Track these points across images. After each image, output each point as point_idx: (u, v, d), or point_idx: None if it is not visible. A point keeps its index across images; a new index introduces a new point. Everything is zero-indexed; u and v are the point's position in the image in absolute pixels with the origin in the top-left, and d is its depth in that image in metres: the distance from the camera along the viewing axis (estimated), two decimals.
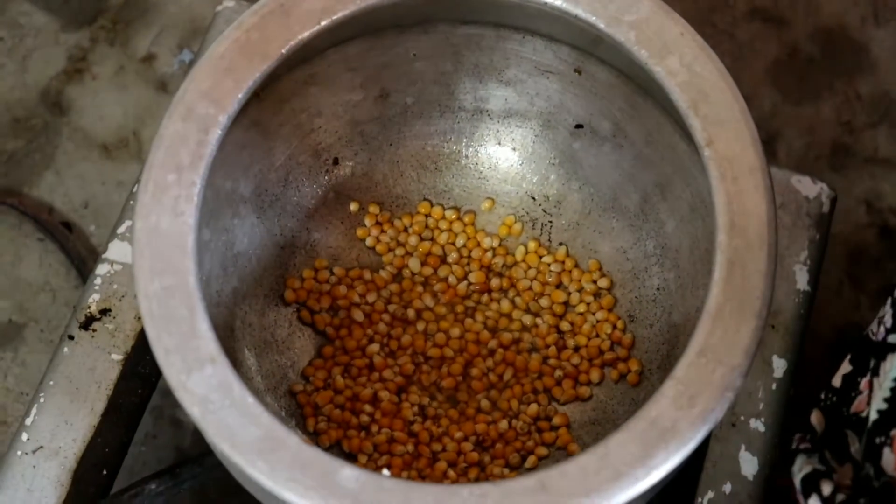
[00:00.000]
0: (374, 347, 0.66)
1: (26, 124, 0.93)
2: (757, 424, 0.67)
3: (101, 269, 0.69)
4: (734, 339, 0.53)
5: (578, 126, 0.67)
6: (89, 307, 0.68)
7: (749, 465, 0.67)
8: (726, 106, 0.56)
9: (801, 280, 0.71)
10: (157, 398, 0.84)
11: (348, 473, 0.50)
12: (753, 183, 0.55)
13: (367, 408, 0.64)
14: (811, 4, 1.01)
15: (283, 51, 0.57)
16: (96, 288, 0.69)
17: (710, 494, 0.66)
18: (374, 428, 0.64)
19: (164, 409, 0.85)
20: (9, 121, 0.93)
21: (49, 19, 0.97)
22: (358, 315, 0.67)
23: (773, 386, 0.69)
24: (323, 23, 0.57)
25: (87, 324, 0.68)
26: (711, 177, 0.55)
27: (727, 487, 0.66)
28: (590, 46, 0.63)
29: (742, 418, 0.67)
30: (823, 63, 0.99)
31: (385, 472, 0.54)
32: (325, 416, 0.64)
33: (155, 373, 0.68)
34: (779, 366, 0.69)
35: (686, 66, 0.56)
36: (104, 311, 0.69)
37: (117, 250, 0.70)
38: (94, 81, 0.95)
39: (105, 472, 0.66)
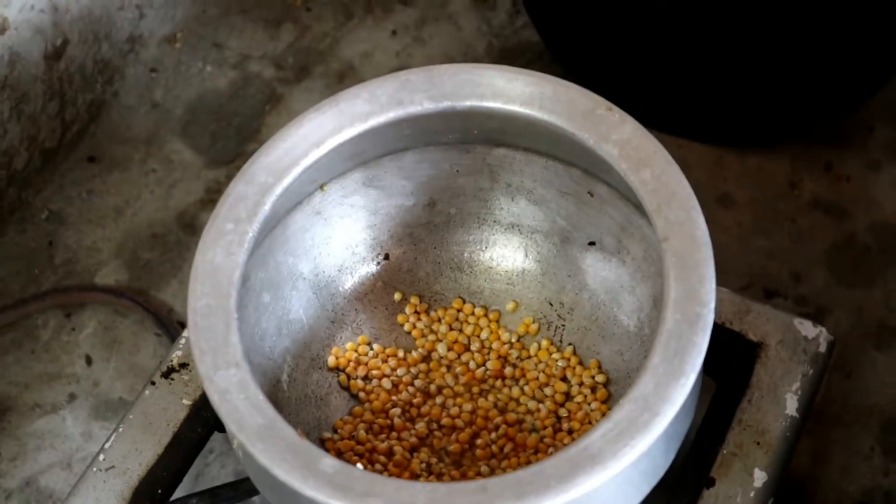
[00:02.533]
0: (397, 411, 0.79)
1: (162, 240, 1.11)
2: None
3: (187, 332, 0.85)
4: (663, 392, 0.64)
5: (591, 243, 0.80)
6: (171, 361, 0.83)
7: None
8: (684, 211, 0.69)
9: (791, 406, 0.81)
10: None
11: (328, 462, 0.63)
12: (699, 274, 0.67)
13: (382, 458, 0.76)
14: (872, 201, 1.12)
15: (336, 142, 0.72)
16: (180, 346, 0.84)
17: None
18: (385, 475, 0.76)
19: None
20: (149, 235, 1.12)
21: (195, 158, 1.16)
22: (387, 384, 0.80)
23: (752, 494, 0.78)
24: (370, 122, 0.73)
25: (167, 374, 0.83)
26: (666, 263, 0.67)
27: None
28: (596, 170, 0.77)
29: None
30: (879, 253, 1.09)
31: (359, 465, 0.66)
32: (345, 461, 0.76)
33: (214, 418, 0.82)
34: (759, 477, 0.78)
35: (655, 178, 0.70)
36: (183, 365, 0.83)
37: None
38: None
39: (160, 491, 0.79)
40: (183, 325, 1.06)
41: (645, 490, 0.68)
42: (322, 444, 0.78)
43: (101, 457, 0.80)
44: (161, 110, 1.19)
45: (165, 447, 0.80)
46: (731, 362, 0.83)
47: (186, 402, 0.81)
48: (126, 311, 1.07)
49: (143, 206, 1.13)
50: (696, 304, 0.66)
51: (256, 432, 0.64)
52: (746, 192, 1.13)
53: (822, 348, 0.83)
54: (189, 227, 1.12)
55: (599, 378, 0.79)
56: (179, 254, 1.11)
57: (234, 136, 1.17)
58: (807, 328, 0.84)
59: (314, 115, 0.73)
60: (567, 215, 0.80)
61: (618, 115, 0.71)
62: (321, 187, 0.77)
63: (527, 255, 0.83)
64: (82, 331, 1.06)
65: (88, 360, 1.05)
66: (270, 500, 0.68)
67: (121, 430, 0.81)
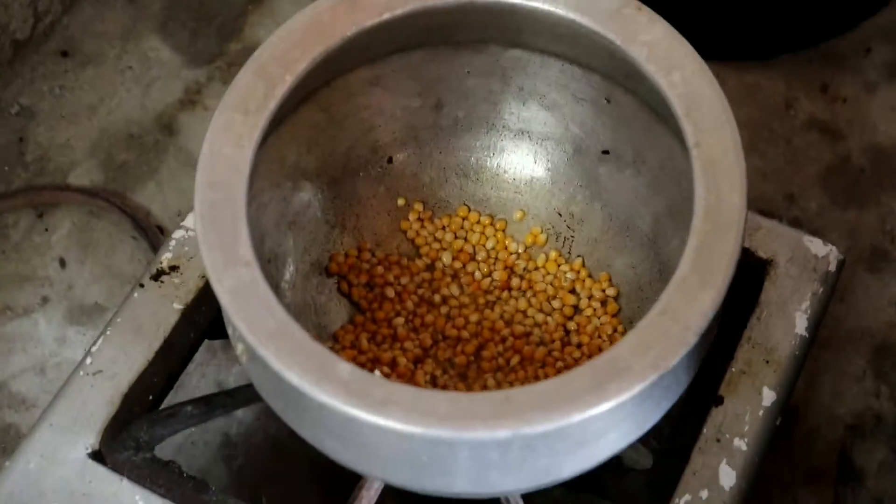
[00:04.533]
0: (400, 321, 0.76)
1: (139, 141, 1.07)
2: (740, 443, 0.75)
3: (178, 233, 0.81)
4: (693, 304, 0.61)
5: (605, 152, 0.77)
6: (161, 263, 0.80)
7: (727, 477, 0.73)
8: (715, 115, 0.66)
9: (800, 325, 0.79)
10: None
11: (344, 367, 0.60)
12: (731, 180, 0.64)
13: (385, 369, 0.73)
14: (867, 124, 1.11)
15: (348, 34, 0.69)
16: (170, 248, 0.80)
17: (687, 497, 0.73)
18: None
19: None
20: (125, 136, 1.07)
21: (174, 56, 1.12)
22: (390, 292, 0.77)
23: (760, 412, 0.76)
24: (385, 16, 0.69)
25: (157, 276, 0.79)
26: (695, 171, 0.64)
27: (704, 494, 0.73)
28: (618, 75, 0.73)
29: (727, 436, 0.75)
30: (873, 176, 1.08)
31: (376, 372, 0.64)
32: None
33: (206, 322, 0.79)
34: (768, 396, 0.77)
35: (685, 81, 0.67)
36: (173, 268, 0.80)
37: (193, 220, 0.81)
38: (205, 112, 1.08)
39: (151, 397, 0.76)
40: (162, 230, 1.02)
41: (665, 407, 0.65)
42: None
43: (88, 360, 0.76)
44: (138, 5, 1.14)
45: (156, 352, 0.77)
46: (739, 279, 0.80)
47: (177, 306, 0.78)
48: (101, 213, 1.03)
49: (118, 104, 1.09)
50: (728, 212, 0.64)
51: (268, 334, 0.60)
52: (742, 111, 1.10)
53: (832, 267, 0.82)
54: (167, 129, 1.08)
55: (610, 291, 0.77)
56: (157, 156, 1.06)
57: (215, 34, 1.12)
58: (817, 246, 0.82)
59: (326, 5, 0.69)
60: (581, 122, 0.77)
61: (647, 14, 0.68)
62: (327, 83, 0.74)
63: (536, 163, 0.80)
64: (55, 232, 1.02)
65: (62, 263, 1.01)
66: (276, 408, 0.65)
67: (108, 333, 0.77)
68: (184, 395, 0.92)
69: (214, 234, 0.63)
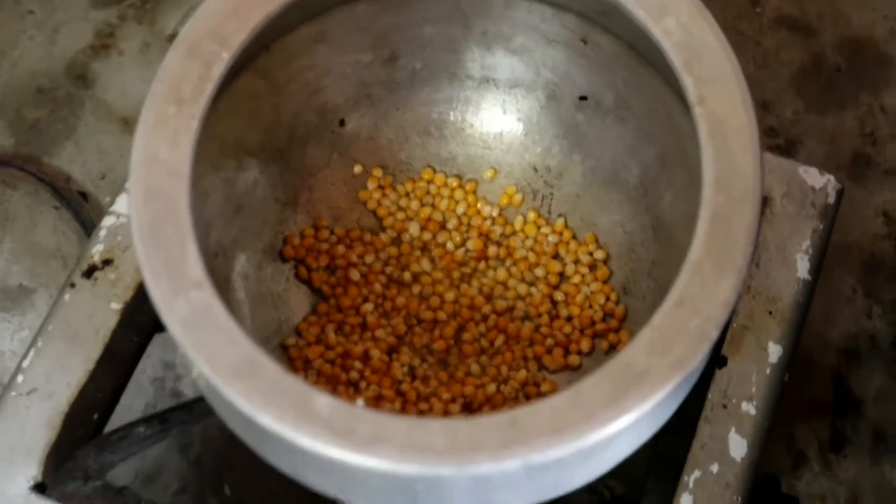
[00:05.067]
0: (369, 307, 0.68)
1: (50, 95, 0.97)
2: (748, 408, 0.69)
3: (107, 221, 0.72)
4: (713, 292, 0.54)
5: (583, 98, 0.69)
6: (93, 257, 0.71)
7: (738, 447, 0.68)
8: (719, 66, 0.58)
9: (802, 268, 0.72)
10: (160, 370, 0.86)
11: (322, 401, 0.52)
12: (741, 142, 0.57)
13: (358, 364, 0.66)
14: (839, 15, 1.03)
15: None
16: (101, 239, 0.71)
17: (697, 474, 0.67)
18: (363, 384, 0.66)
19: (165, 382, 0.87)
20: (33, 91, 0.97)
21: None
22: (354, 275, 0.69)
23: (767, 371, 0.70)
24: None
25: (89, 272, 0.70)
26: (700, 134, 0.57)
27: (714, 468, 0.67)
28: (596, 15, 0.65)
29: (734, 401, 0.69)
30: (849, 74, 1.01)
31: (360, 402, 0.56)
32: (315, 371, 0.66)
33: (152, 322, 0.70)
34: (774, 351, 0.70)
35: (682, 27, 0.59)
36: (107, 262, 0.71)
37: (125, 204, 0.72)
38: (120, 57, 0.98)
39: (96, 416, 0.68)
40: (85, 196, 0.93)
41: (682, 398, 0.58)
42: (285, 350, 0.67)
43: (20, 378, 0.68)
44: None
45: (97, 362, 0.68)
46: None
47: (116, 305, 0.70)
48: (15, 182, 0.93)
49: (22, 55, 0.98)
50: (742, 178, 0.56)
51: (233, 370, 0.52)
52: None
53: (831, 199, 0.75)
54: (81, 79, 0.98)
55: (598, 254, 0.70)
56: (72, 111, 0.96)
57: None
58: (813, 177, 0.75)
59: None
60: (553, 66, 0.69)
61: None
62: (266, 47, 0.65)
63: (505, 114, 0.72)
64: None
65: None
66: (247, 442, 0.57)
67: (40, 344, 0.69)
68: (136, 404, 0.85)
69: (158, 255, 0.54)
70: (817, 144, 0.98)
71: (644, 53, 0.64)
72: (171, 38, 0.99)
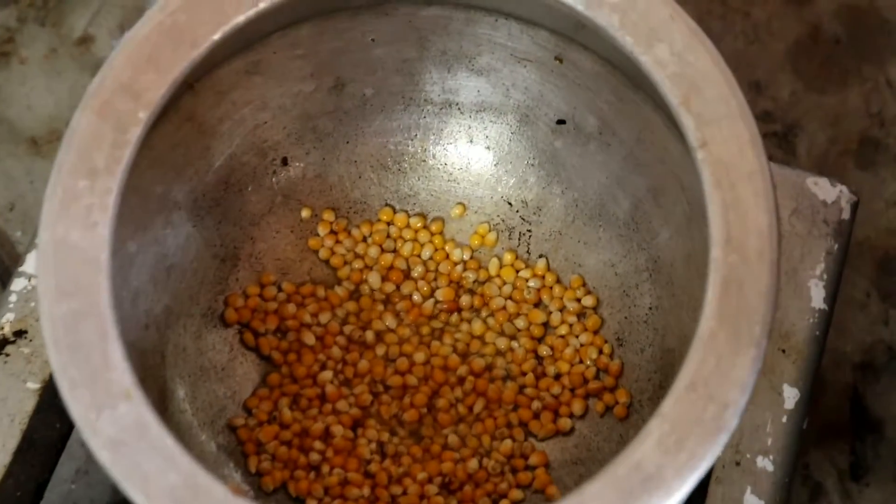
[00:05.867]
0: (327, 375, 0.65)
1: None
2: (765, 463, 0.66)
3: (17, 284, 0.68)
4: (729, 372, 0.51)
5: (560, 122, 0.66)
6: (2, 328, 0.67)
7: None
8: (722, 101, 0.54)
9: (817, 297, 0.70)
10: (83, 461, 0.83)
11: None
12: (753, 190, 0.53)
13: (318, 444, 0.63)
14: None
15: (216, 37, 0.55)
16: (11, 306, 0.67)
17: None
18: (326, 468, 0.63)
19: (90, 475, 0.84)
20: None
21: None
22: (309, 338, 0.66)
23: (784, 418, 0.67)
24: (261, 5, 0.55)
25: None
26: (705, 182, 0.53)
27: None
28: (571, 31, 0.61)
29: (748, 456, 0.66)
30: (850, 45, 0.98)
31: None
32: (269, 455, 0.63)
33: None
34: (790, 395, 0.68)
35: (677, 55, 0.55)
36: (19, 333, 0.67)
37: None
38: (22, 66, 0.94)
39: None
40: None
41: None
42: (233, 432, 0.63)
43: None
44: None
45: (13, 454, 0.65)
46: None
47: (33, 385, 0.66)
48: None
49: None
50: (756, 235, 0.53)
51: (173, 498, 0.48)
52: None
53: (846, 214, 0.72)
54: None
55: (587, 300, 0.66)
56: None
57: None
58: (824, 189, 0.73)
59: (179, 0, 0.55)
60: (525, 87, 0.65)
61: None
62: (191, 87, 0.60)
63: (472, 142, 0.68)
64: None
65: None
66: None
67: None
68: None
69: (75, 364, 0.50)
70: (819, 128, 0.95)
71: (629, 74, 0.60)
72: (81, 41, 0.94)
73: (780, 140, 0.95)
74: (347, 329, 0.66)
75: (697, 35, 0.55)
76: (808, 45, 0.98)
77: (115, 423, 0.50)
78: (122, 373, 0.50)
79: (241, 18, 0.55)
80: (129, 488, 0.49)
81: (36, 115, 0.92)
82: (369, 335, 0.66)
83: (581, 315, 0.67)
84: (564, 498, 0.50)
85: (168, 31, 0.55)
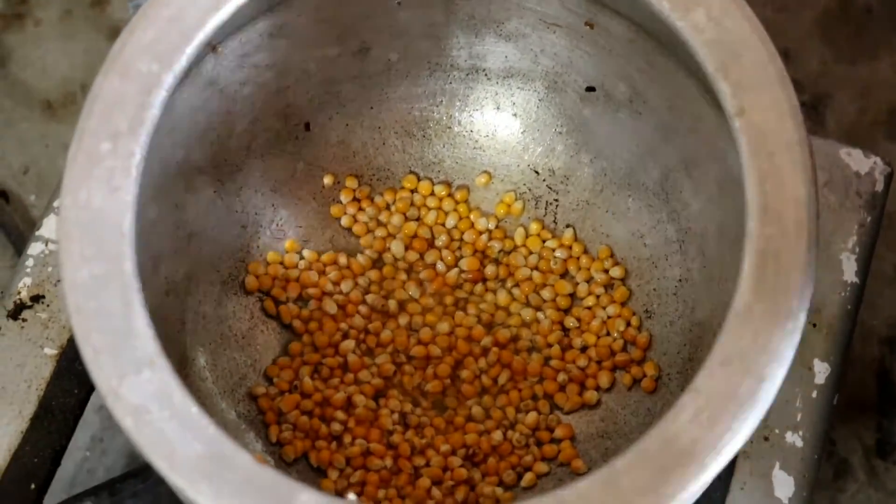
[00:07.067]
0: (349, 344, 0.65)
1: None
2: (794, 439, 0.66)
3: (35, 248, 0.68)
4: (765, 346, 0.50)
5: (590, 89, 0.65)
6: (19, 293, 0.67)
7: (784, 486, 0.65)
8: (761, 69, 0.53)
9: (849, 270, 0.70)
10: (99, 429, 0.83)
11: (306, 499, 0.48)
12: (791, 160, 0.53)
13: (340, 415, 0.63)
14: None
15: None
16: (28, 271, 0.67)
17: None
18: (347, 438, 0.63)
19: (105, 442, 0.84)
20: None
21: None
22: (330, 306, 0.65)
23: (814, 394, 0.67)
24: None
25: (15, 313, 0.67)
26: (742, 152, 0.53)
27: None
28: None
29: (776, 431, 0.66)
30: (882, 15, 0.98)
31: (351, 496, 0.52)
32: (290, 424, 0.63)
33: None
34: (821, 370, 0.68)
35: (714, 21, 0.54)
36: (36, 298, 0.67)
37: (54, 227, 0.68)
38: (37, 28, 0.94)
39: (33, 486, 0.64)
40: (6, 196, 0.88)
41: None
42: (254, 401, 0.63)
43: None
44: None
45: (30, 421, 0.65)
46: None
47: (50, 351, 0.67)
48: None
49: None
50: (794, 205, 0.52)
51: (197, 467, 0.48)
52: None
53: (879, 186, 0.72)
54: None
55: (615, 271, 0.66)
56: None
57: None
58: (857, 160, 0.73)
59: None
60: (554, 53, 0.65)
61: None
62: (214, 49, 0.60)
63: (499, 108, 0.68)
64: None
65: None
66: None
67: None
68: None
69: (98, 331, 0.49)
70: (848, 99, 0.95)
71: (662, 40, 0.60)
72: (95, 3, 0.94)
73: (808, 110, 0.95)
74: (370, 298, 0.66)
75: (736, 0, 0.54)
76: (838, 14, 0.98)
77: (139, 391, 0.49)
78: (145, 340, 0.50)
79: None
80: (152, 456, 0.49)
81: (50, 77, 0.92)
82: (392, 304, 0.66)
83: (608, 286, 0.66)
84: (595, 472, 0.49)
85: None
